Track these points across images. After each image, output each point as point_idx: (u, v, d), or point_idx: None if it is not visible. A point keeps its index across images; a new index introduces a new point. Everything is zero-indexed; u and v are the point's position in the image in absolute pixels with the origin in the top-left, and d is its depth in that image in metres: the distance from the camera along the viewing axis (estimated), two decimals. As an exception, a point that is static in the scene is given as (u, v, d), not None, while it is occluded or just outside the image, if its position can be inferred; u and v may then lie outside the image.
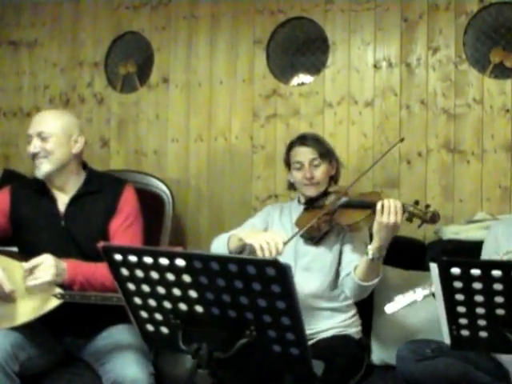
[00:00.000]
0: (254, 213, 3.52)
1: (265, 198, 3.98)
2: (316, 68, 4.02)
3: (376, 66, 3.88)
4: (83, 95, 4.41)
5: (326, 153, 3.15)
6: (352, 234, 3.02)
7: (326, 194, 3.11)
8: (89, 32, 4.43)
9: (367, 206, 2.89)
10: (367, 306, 3.29)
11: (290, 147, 3.20)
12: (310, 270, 3.05)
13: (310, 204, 3.12)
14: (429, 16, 3.80)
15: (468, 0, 3.73)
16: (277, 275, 1.76)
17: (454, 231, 3.49)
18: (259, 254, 2.62)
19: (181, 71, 4.26)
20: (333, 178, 3.23)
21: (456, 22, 3.75)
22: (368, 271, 2.86)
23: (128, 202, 3.01)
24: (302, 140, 3.18)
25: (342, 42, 3.94)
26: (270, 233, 2.86)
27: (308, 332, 2.92)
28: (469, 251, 3.16)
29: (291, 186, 3.25)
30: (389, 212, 2.74)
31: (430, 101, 3.77)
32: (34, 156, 2.90)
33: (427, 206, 2.82)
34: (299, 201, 3.25)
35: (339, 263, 3.06)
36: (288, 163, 3.21)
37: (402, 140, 3.24)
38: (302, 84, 4.04)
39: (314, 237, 3.04)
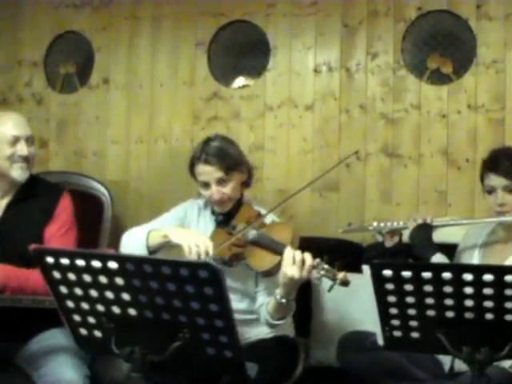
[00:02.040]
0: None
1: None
2: (257, 71, 4.04)
3: (316, 71, 3.91)
4: (21, 95, 4.35)
5: (233, 166, 2.89)
6: None
7: (239, 204, 2.95)
8: (28, 30, 4.37)
9: (278, 251, 2.65)
10: (305, 308, 3.32)
11: (193, 163, 2.93)
12: (230, 289, 2.92)
13: (222, 221, 2.93)
14: (368, 22, 3.84)
15: (406, 7, 3.79)
16: (209, 278, 1.76)
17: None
18: (186, 255, 2.54)
19: (122, 72, 4.23)
20: (246, 183, 3.03)
21: (395, 29, 3.81)
22: (277, 311, 2.74)
23: (65, 210, 2.98)
24: (206, 157, 2.87)
25: (283, 45, 3.96)
26: (200, 236, 2.72)
27: (244, 342, 2.92)
28: (407, 253, 3.19)
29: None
30: (295, 266, 2.57)
31: (369, 105, 3.82)
32: None
33: (338, 267, 2.60)
34: (213, 211, 3.04)
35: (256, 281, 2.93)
36: (194, 177, 2.98)
37: (356, 152, 3.23)
38: (243, 87, 4.06)
39: (226, 261, 2.78)
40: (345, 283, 2.56)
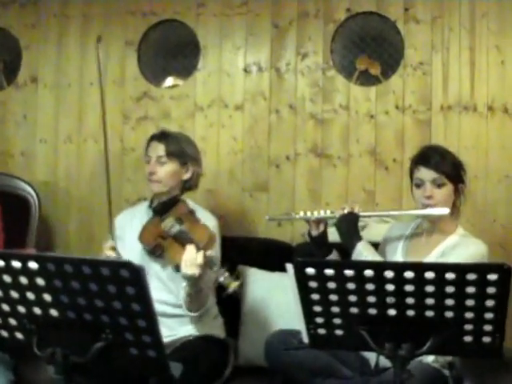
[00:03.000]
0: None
1: (135, 200, 3.93)
2: (187, 71, 4.02)
3: (246, 71, 3.92)
4: None
5: (176, 152, 3.11)
6: None
7: (176, 200, 3.06)
8: (-47, 27, 4.26)
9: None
10: (234, 309, 3.32)
11: (149, 141, 3.20)
12: (160, 280, 3.01)
13: (157, 211, 3.04)
14: (298, 23, 3.87)
15: (336, 8, 3.83)
16: (131, 277, 1.75)
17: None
18: None
19: (50, 71, 4.16)
20: (187, 184, 3.18)
21: (324, 30, 3.84)
22: (188, 302, 2.87)
23: None
24: (160, 136, 3.18)
25: (214, 45, 3.96)
26: None
27: (171, 338, 2.92)
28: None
29: None
30: (188, 263, 2.70)
31: (299, 106, 3.84)
32: None
33: (235, 276, 2.74)
34: (150, 204, 3.18)
35: None
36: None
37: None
38: (173, 87, 4.03)
39: (151, 250, 2.99)
40: (236, 293, 2.70)
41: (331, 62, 3.83)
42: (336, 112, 3.80)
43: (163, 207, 3.02)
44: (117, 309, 1.83)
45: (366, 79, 3.81)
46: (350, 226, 2.90)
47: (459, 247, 2.83)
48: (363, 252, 2.82)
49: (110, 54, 4.08)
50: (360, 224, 3.44)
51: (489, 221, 3.60)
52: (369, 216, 3.11)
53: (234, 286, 2.65)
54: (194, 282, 2.75)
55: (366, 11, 3.82)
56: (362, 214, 2.95)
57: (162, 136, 3.16)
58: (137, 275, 1.74)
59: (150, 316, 1.81)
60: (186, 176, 3.16)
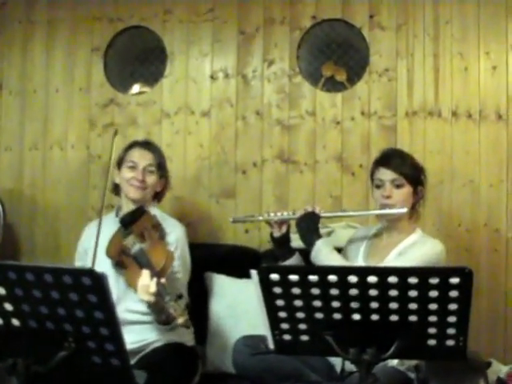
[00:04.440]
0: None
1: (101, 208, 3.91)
2: (154, 78, 4.01)
3: (213, 77, 3.92)
4: None
5: (162, 167, 3.17)
6: None
7: (142, 211, 3.03)
8: None
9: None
10: (202, 315, 3.31)
11: (131, 146, 3.18)
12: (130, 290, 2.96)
13: (122, 223, 2.99)
14: (265, 29, 3.88)
15: (302, 16, 3.85)
16: (93, 285, 1.74)
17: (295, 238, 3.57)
18: None
19: (15, 77, 4.13)
20: (157, 196, 3.23)
21: (291, 37, 3.86)
22: (155, 317, 2.81)
23: None
24: (146, 144, 3.19)
25: (180, 52, 3.95)
26: None
27: (140, 344, 2.91)
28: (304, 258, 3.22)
29: (116, 189, 3.19)
30: (143, 289, 2.66)
31: (265, 112, 3.85)
32: None
33: (186, 309, 2.65)
34: (117, 213, 3.18)
35: None
36: (120, 162, 3.16)
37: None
38: (140, 93, 4.02)
39: (118, 266, 2.95)
40: (185, 326, 2.63)
41: (297, 69, 3.84)
42: (302, 118, 3.81)
43: (130, 218, 2.99)
44: (79, 317, 1.81)
45: (332, 85, 3.84)
46: (310, 224, 2.92)
47: (416, 246, 2.87)
48: (322, 249, 2.84)
49: (76, 61, 4.06)
50: (327, 230, 3.48)
51: (454, 225, 3.63)
52: (330, 217, 3.14)
53: (182, 319, 2.57)
54: (150, 305, 2.72)
55: (332, 18, 3.84)
56: (323, 214, 2.97)
57: (149, 145, 3.20)
58: (99, 283, 1.73)
59: (112, 324, 1.80)
60: (159, 189, 3.22)
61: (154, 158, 3.14)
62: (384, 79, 3.75)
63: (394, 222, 2.95)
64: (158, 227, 2.98)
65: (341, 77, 3.83)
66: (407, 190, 2.90)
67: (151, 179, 3.12)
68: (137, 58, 4.08)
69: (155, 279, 2.64)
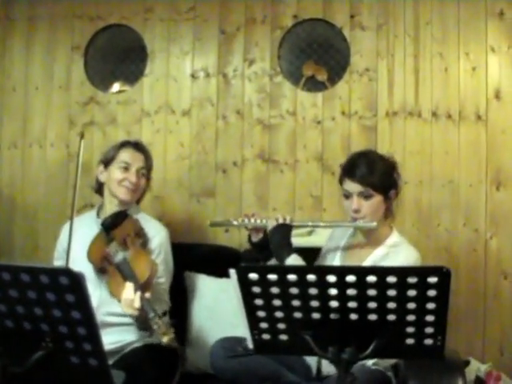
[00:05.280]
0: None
1: (80, 207, 3.87)
2: (134, 76, 4.00)
3: (194, 76, 3.91)
4: None
5: (150, 168, 3.16)
6: None
7: (125, 216, 3.01)
8: None
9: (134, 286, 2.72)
10: (182, 315, 3.30)
11: (124, 146, 3.13)
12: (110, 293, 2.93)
13: (104, 227, 2.97)
14: (246, 29, 3.88)
15: (283, 15, 3.85)
16: (70, 284, 1.72)
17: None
18: None
19: (-6, 75, 4.10)
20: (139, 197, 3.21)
21: (271, 36, 3.86)
22: (138, 326, 2.78)
23: None
24: (139, 146, 3.15)
25: (161, 50, 3.94)
26: None
27: (119, 344, 2.90)
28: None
29: (99, 188, 3.16)
30: (127, 303, 2.64)
31: (246, 111, 3.85)
32: None
33: (170, 327, 2.60)
34: (98, 214, 3.15)
35: None
36: (110, 160, 3.10)
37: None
38: (120, 92, 4.00)
39: (100, 272, 2.92)
40: (170, 345, 2.59)
41: (278, 68, 3.85)
42: (283, 118, 3.81)
43: (112, 222, 2.97)
44: (57, 317, 1.80)
45: (313, 85, 3.84)
46: (281, 237, 2.86)
47: (388, 258, 2.80)
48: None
49: (56, 59, 4.04)
50: (307, 229, 3.48)
51: (433, 225, 3.65)
52: (301, 226, 3.11)
53: (167, 338, 2.53)
54: (134, 317, 2.69)
55: (313, 18, 3.85)
56: (294, 224, 2.93)
57: (141, 147, 3.17)
58: (76, 282, 1.72)
59: (90, 324, 1.79)
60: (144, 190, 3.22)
61: (145, 160, 3.12)
62: (364, 79, 3.76)
63: (368, 231, 2.89)
64: (140, 233, 2.96)
65: (321, 76, 3.83)
66: (377, 199, 2.80)
67: (143, 182, 3.11)
68: (117, 57, 4.06)
69: (139, 293, 2.61)
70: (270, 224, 2.89)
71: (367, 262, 2.84)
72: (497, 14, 3.65)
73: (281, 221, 2.90)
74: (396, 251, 2.82)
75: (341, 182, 2.91)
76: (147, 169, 3.12)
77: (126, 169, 3.06)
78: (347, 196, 2.85)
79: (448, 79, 3.68)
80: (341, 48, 3.83)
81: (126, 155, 3.09)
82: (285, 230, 2.88)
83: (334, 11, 3.81)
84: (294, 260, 2.80)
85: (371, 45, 3.77)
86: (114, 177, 3.06)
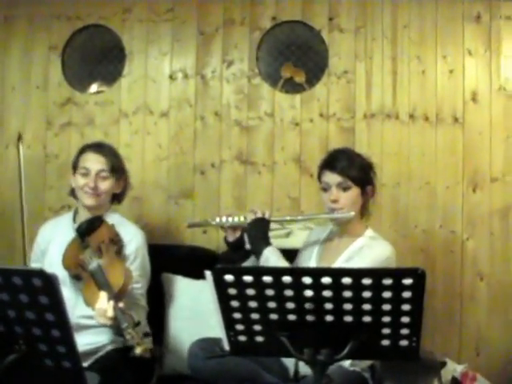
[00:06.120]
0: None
1: (58, 208, 3.87)
2: (112, 77, 3.98)
3: (172, 77, 3.90)
4: None
5: (117, 168, 3.08)
6: None
7: (100, 222, 2.98)
8: None
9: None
10: (159, 317, 3.29)
11: (83, 151, 3.09)
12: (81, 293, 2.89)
13: (79, 234, 2.94)
14: (224, 30, 3.88)
15: (262, 17, 3.86)
16: (44, 286, 1.71)
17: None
18: None
19: (-30, 75, 4.06)
20: (116, 197, 3.17)
21: (250, 37, 3.86)
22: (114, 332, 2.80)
23: None
24: (98, 148, 3.09)
25: (139, 51, 3.93)
26: None
27: (95, 346, 2.89)
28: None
29: (73, 193, 3.13)
30: (100, 313, 2.60)
31: (224, 113, 3.85)
32: None
33: (144, 337, 2.57)
34: (74, 219, 3.14)
35: None
36: (74, 167, 3.09)
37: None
38: (98, 93, 3.98)
39: (75, 278, 2.90)
40: (144, 355, 2.52)
41: (257, 70, 3.85)
42: (261, 119, 3.82)
43: (86, 229, 2.94)
44: (30, 319, 1.79)
45: (291, 87, 3.85)
46: (259, 231, 2.89)
47: (364, 250, 2.84)
48: (270, 257, 2.81)
49: (33, 59, 4.01)
50: (285, 231, 3.48)
51: (410, 226, 3.67)
52: (279, 221, 3.11)
53: (140, 349, 2.47)
54: (107, 326, 2.67)
55: (292, 20, 3.86)
56: (272, 219, 2.96)
57: (101, 148, 3.09)
58: (50, 284, 1.71)
59: (64, 325, 1.78)
60: (118, 190, 3.15)
61: (106, 161, 3.04)
62: (343, 81, 3.78)
63: (344, 225, 2.93)
64: (115, 240, 2.93)
65: (300, 78, 3.84)
66: (354, 192, 2.87)
67: (105, 185, 3.03)
68: (95, 57, 4.03)
69: (112, 302, 2.58)
70: (250, 218, 2.91)
71: (343, 256, 2.87)
72: (474, 17, 3.69)
73: (259, 215, 2.92)
74: (371, 245, 2.86)
75: (319, 176, 2.96)
76: (110, 169, 3.04)
77: (86, 174, 3.02)
78: (325, 189, 2.91)
79: (425, 82, 3.71)
80: (319, 50, 3.85)
81: (84, 160, 3.05)
82: (263, 223, 2.91)
83: (312, 13, 3.82)
84: (270, 252, 2.83)
85: (349, 47, 3.78)
86: (77, 184, 3.05)
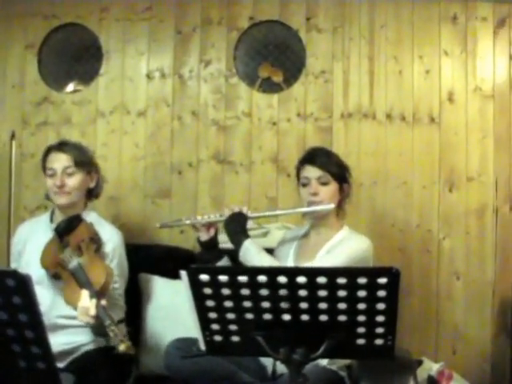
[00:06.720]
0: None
1: (34, 208, 3.84)
2: (89, 76, 3.96)
3: (149, 77, 3.89)
4: None
5: (83, 162, 3.04)
6: None
7: (78, 220, 2.96)
8: None
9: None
10: (136, 317, 3.28)
11: (47, 152, 3.07)
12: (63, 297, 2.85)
13: (57, 233, 2.92)
14: (202, 30, 3.87)
15: (239, 16, 3.86)
16: (17, 286, 1.70)
17: (224, 240, 3.56)
18: None
19: (-52, 75, 4.02)
20: (92, 193, 3.15)
21: (228, 37, 3.86)
22: (94, 332, 2.74)
23: None
24: (60, 146, 3.07)
25: (116, 50, 3.91)
26: None
27: (71, 346, 2.87)
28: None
29: (48, 196, 3.10)
30: (82, 311, 2.57)
31: (202, 112, 3.84)
32: None
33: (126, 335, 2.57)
34: (51, 219, 3.12)
35: None
36: (43, 170, 3.07)
37: None
38: (75, 92, 3.96)
39: (54, 278, 2.88)
40: (124, 353, 2.52)
41: (234, 70, 3.85)
42: (239, 119, 3.82)
43: (65, 228, 2.92)
44: (3, 319, 1.77)
45: (269, 87, 3.85)
46: (237, 224, 2.91)
47: (343, 243, 2.88)
48: (250, 248, 2.83)
49: (8, 57, 3.98)
50: (262, 231, 3.49)
51: (387, 225, 3.69)
52: (257, 217, 3.14)
53: (123, 346, 2.48)
54: (90, 325, 2.64)
55: (269, 20, 3.86)
56: (250, 215, 2.97)
57: (63, 146, 3.07)
58: (23, 284, 1.69)
59: (37, 326, 1.77)
60: (92, 184, 3.12)
61: (69, 157, 3.01)
62: (320, 81, 3.79)
63: (321, 220, 2.98)
64: (95, 238, 2.92)
65: (277, 78, 3.84)
66: (333, 186, 2.94)
67: (72, 181, 3.01)
68: (72, 56, 4.00)
69: (94, 300, 2.57)
70: (226, 214, 2.93)
71: (323, 251, 2.90)
72: (450, 18, 3.71)
73: (237, 210, 2.93)
74: (350, 237, 2.93)
75: (298, 172, 3.02)
76: (75, 165, 3.01)
77: (53, 175, 3.01)
78: (305, 184, 2.96)
79: (402, 82, 3.73)
80: (297, 50, 3.85)
81: (49, 161, 3.04)
82: (240, 218, 2.93)
83: (290, 13, 3.83)
84: (250, 244, 2.85)
85: (327, 47, 3.80)
86: (47, 186, 3.04)
